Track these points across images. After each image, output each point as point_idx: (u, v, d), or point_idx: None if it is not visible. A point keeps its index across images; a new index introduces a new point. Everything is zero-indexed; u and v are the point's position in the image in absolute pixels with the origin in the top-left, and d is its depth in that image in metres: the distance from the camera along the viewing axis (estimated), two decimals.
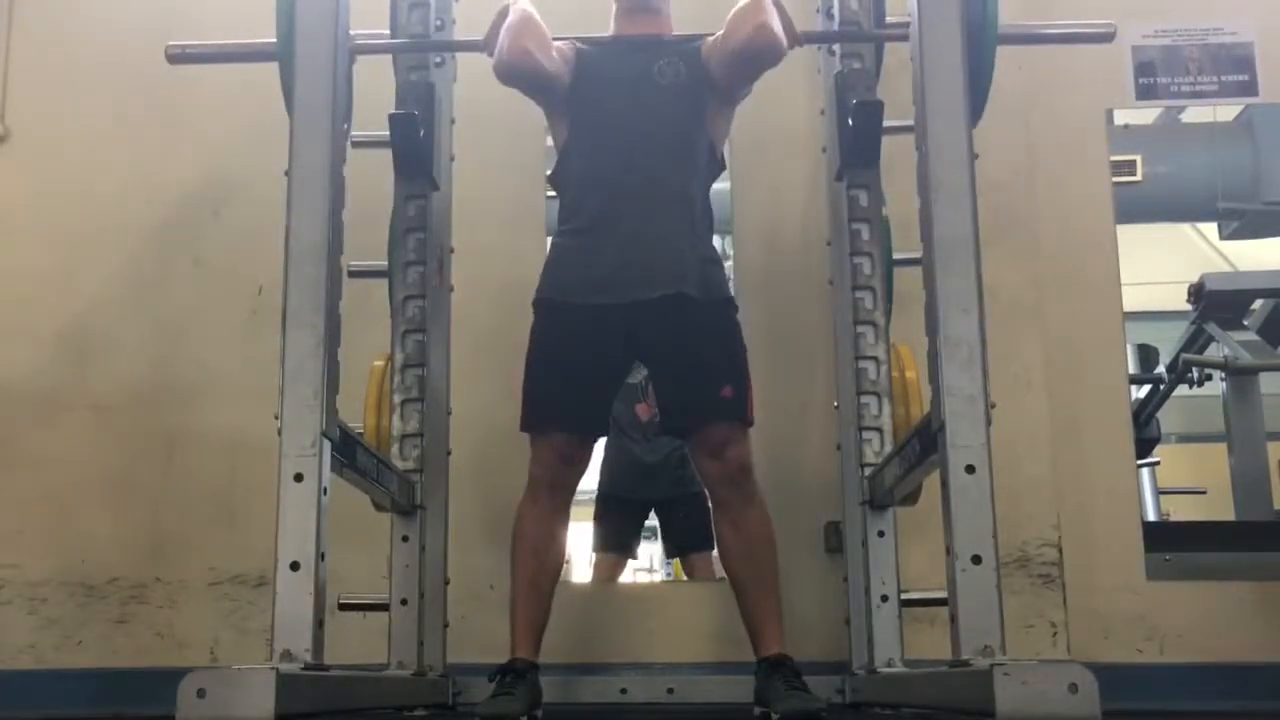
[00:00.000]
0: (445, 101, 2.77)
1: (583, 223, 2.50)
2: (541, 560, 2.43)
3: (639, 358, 2.58)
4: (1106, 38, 2.41)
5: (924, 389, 2.14)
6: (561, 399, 2.44)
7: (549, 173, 2.66)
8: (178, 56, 2.45)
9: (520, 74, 2.43)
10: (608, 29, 2.63)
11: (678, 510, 4.24)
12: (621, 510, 4.25)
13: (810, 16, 2.97)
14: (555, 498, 2.46)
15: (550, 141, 3.24)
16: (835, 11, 2.82)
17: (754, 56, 2.41)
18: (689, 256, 2.44)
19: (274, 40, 2.17)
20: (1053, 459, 3.00)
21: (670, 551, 4.95)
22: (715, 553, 3.56)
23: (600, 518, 4.28)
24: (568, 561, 3.32)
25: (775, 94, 2.84)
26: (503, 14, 2.45)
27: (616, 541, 4.31)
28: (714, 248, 2.56)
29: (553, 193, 3.27)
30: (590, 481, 3.55)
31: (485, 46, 2.46)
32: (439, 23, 2.76)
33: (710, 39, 2.51)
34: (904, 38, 2.13)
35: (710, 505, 2.56)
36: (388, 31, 2.73)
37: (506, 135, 3.12)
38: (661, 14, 2.61)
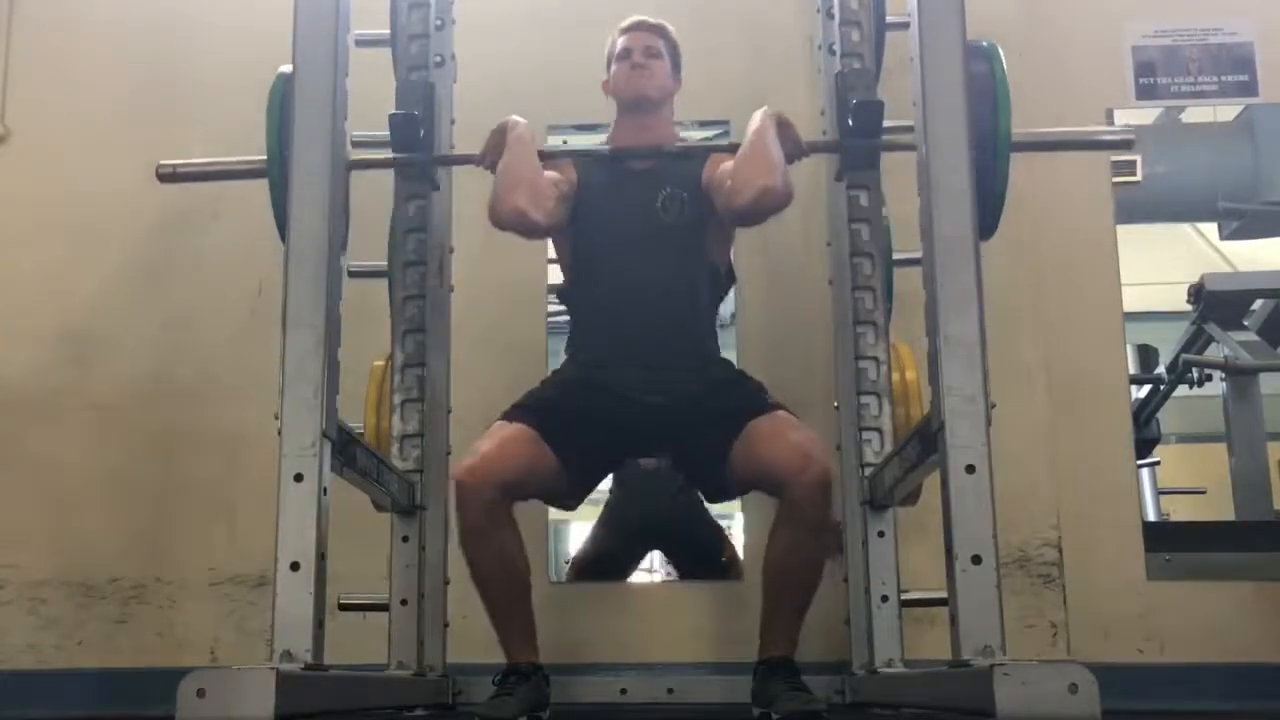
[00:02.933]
0: (445, 101, 2.76)
1: (589, 358, 2.52)
2: (507, 575, 2.36)
3: (658, 450, 2.59)
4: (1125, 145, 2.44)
5: (924, 389, 2.14)
6: (551, 408, 2.42)
7: (557, 291, 2.66)
8: (167, 176, 2.42)
9: (515, 230, 2.43)
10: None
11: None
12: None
13: (810, 16, 2.97)
14: (499, 506, 2.29)
15: (549, 140, 3.25)
16: (835, 11, 2.82)
17: (760, 216, 2.42)
18: (702, 385, 2.45)
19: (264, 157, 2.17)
20: (1053, 459, 3.00)
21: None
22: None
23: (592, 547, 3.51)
24: (567, 562, 3.30)
25: (775, 94, 2.83)
26: (500, 132, 2.44)
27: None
28: (721, 360, 2.57)
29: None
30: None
31: (482, 161, 2.47)
32: (439, 22, 2.77)
33: (713, 168, 2.49)
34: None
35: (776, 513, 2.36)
36: (388, 31, 2.74)
37: None
38: (663, 111, 2.60)
